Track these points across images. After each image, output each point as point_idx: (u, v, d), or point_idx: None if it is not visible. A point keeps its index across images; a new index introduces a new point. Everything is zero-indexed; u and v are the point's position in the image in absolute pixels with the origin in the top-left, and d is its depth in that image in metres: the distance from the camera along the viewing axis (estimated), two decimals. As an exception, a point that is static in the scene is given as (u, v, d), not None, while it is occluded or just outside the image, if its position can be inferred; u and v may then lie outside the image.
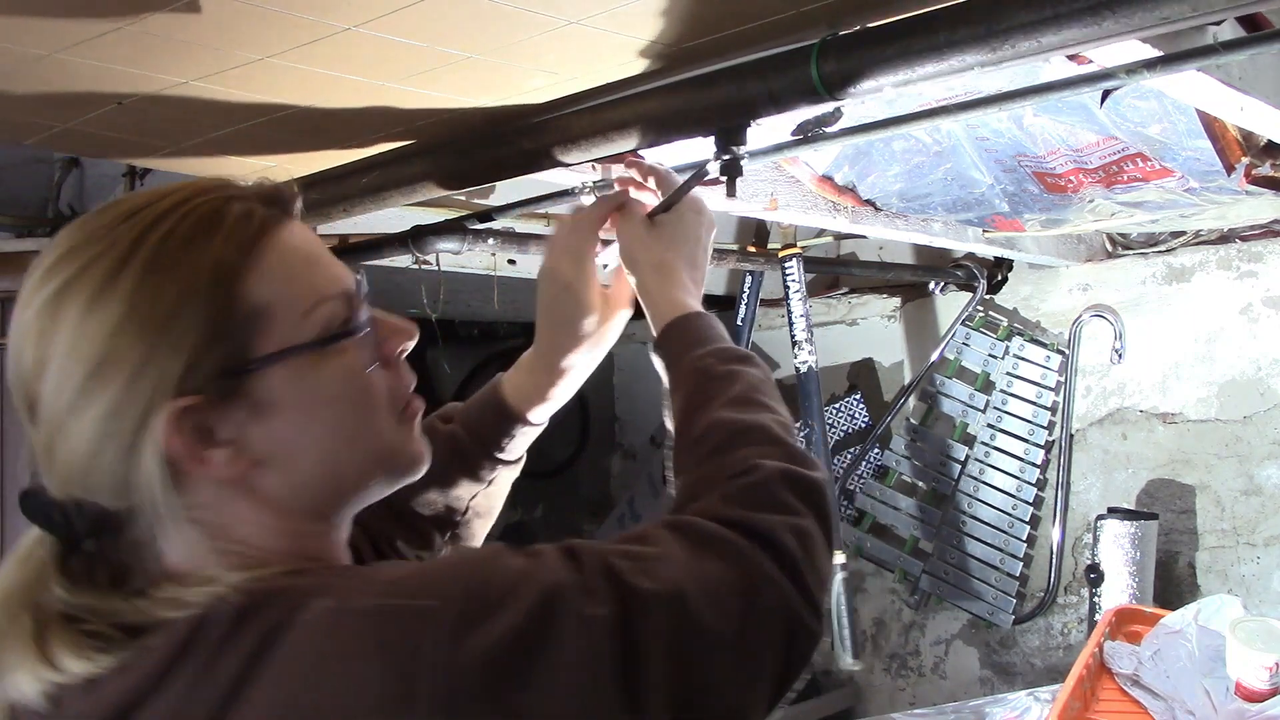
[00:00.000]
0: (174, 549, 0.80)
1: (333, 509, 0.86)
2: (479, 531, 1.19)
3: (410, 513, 1.13)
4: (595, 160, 1.42)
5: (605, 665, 0.72)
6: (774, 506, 0.85)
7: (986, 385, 2.86)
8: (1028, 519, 2.77)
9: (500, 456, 1.15)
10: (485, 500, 1.17)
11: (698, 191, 1.15)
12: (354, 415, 0.84)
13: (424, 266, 1.98)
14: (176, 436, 0.76)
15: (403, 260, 2.05)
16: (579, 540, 0.80)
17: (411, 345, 0.89)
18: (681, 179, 1.17)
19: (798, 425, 3.09)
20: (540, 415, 1.16)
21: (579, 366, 1.14)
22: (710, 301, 3.30)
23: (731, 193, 1.26)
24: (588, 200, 1.54)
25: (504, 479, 1.18)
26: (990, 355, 2.85)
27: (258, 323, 0.79)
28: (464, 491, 1.15)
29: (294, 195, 0.85)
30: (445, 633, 0.70)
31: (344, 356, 0.83)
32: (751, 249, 2.78)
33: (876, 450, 3.02)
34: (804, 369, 2.58)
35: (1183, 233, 2.63)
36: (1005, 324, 2.87)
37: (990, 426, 2.83)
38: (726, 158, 1.24)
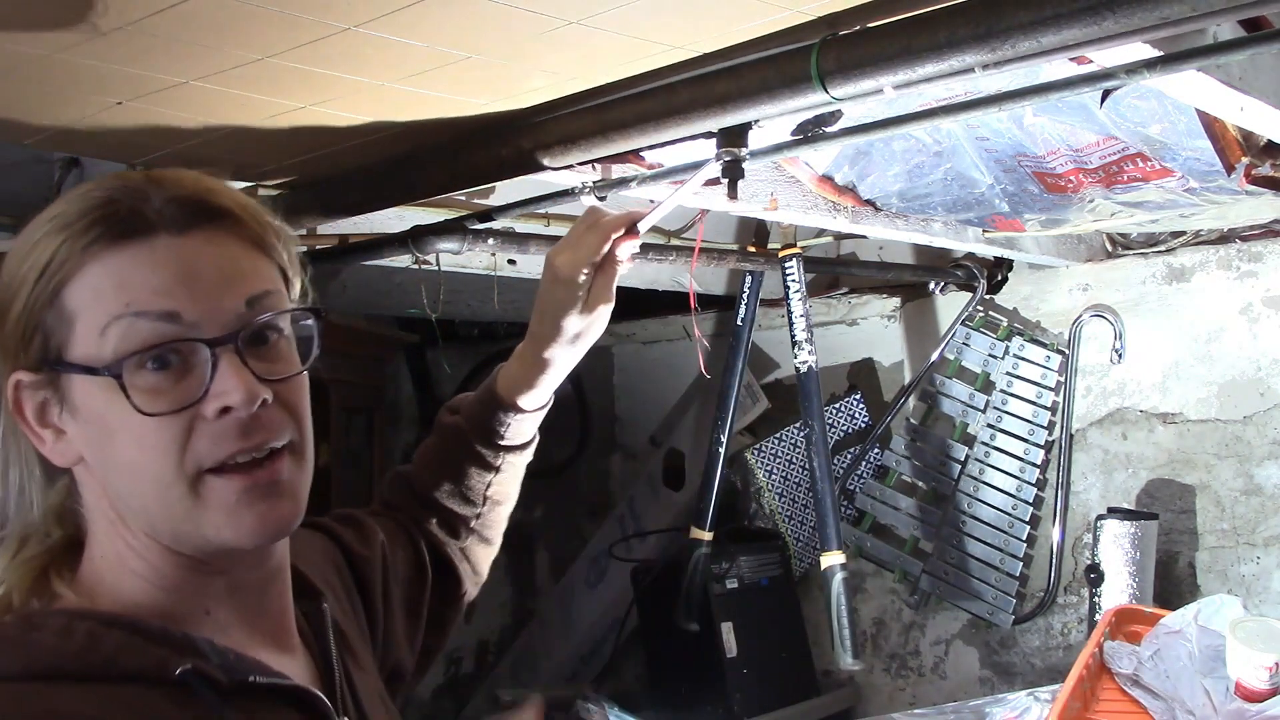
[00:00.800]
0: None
1: (184, 551, 0.85)
2: (500, 518, 1.24)
3: (435, 501, 1.19)
4: (595, 160, 1.42)
5: None
6: None
7: (986, 385, 2.86)
8: (1028, 519, 2.77)
9: (502, 443, 1.19)
10: (500, 487, 1.22)
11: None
12: (138, 458, 0.81)
13: (424, 266, 1.98)
14: (18, 399, 0.83)
15: (403, 260, 2.05)
16: None
17: (241, 412, 0.81)
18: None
19: (798, 425, 3.10)
20: (531, 402, 1.19)
21: (561, 359, 1.17)
22: (710, 301, 3.32)
23: (733, 194, 1.26)
24: (588, 200, 1.54)
25: (513, 464, 1.22)
26: (990, 355, 2.85)
27: (68, 326, 0.81)
28: (476, 480, 1.19)
29: (190, 207, 0.82)
30: None
31: (135, 393, 0.79)
32: (751, 249, 2.78)
33: (876, 450, 3.02)
34: (804, 369, 2.58)
35: (1183, 233, 2.63)
36: (1005, 324, 2.87)
37: (990, 426, 2.83)
38: (728, 160, 1.24)
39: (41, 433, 0.84)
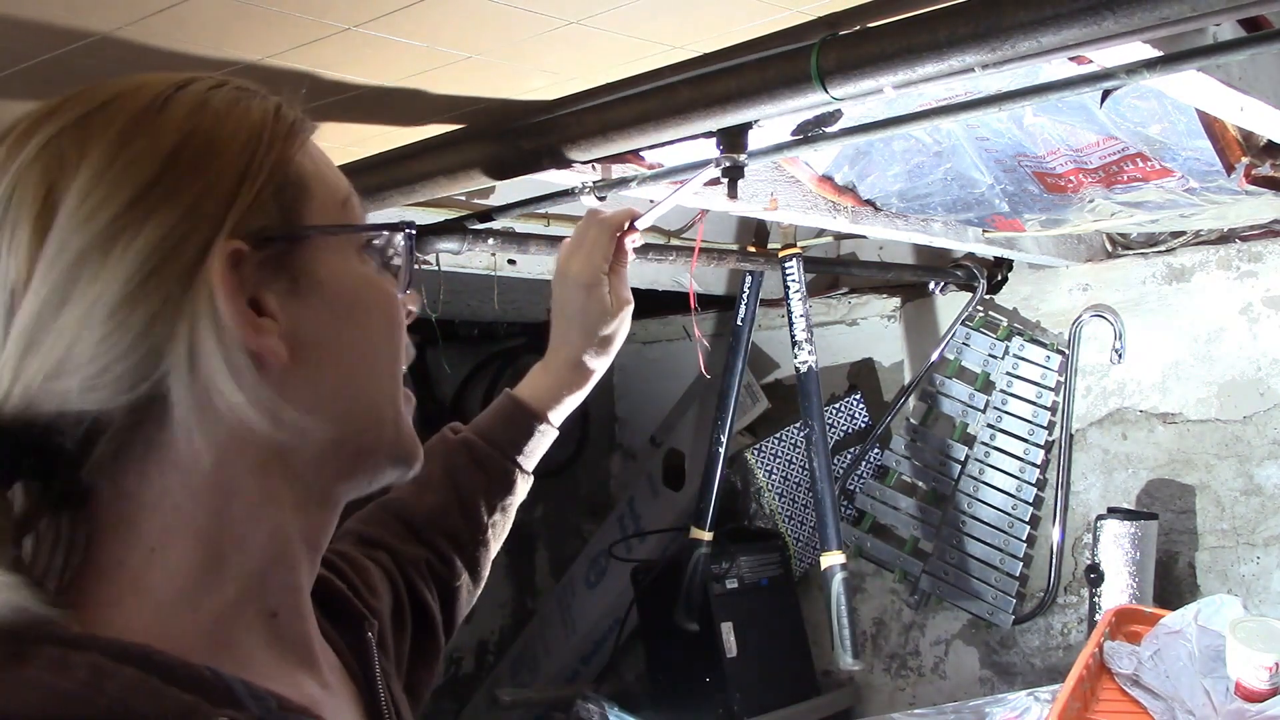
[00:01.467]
0: (169, 481, 0.64)
1: (334, 470, 0.72)
2: (490, 557, 1.12)
3: (430, 534, 1.06)
4: (596, 160, 1.42)
5: None
6: None
7: (986, 385, 2.86)
8: (1028, 519, 2.77)
9: (520, 460, 1.12)
10: (502, 518, 1.12)
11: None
12: (385, 339, 0.75)
13: (424, 266, 1.98)
14: (232, 280, 0.64)
15: (402, 260, 2.05)
16: None
17: (414, 316, 0.82)
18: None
19: (798, 425, 3.10)
20: (558, 417, 1.16)
21: (602, 365, 1.15)
22: (710, 301, 3.32)
23: (733, 195, 1.27)
24: (588, 200, 1.54)
25: (520, 492, 1.14)
26: (990, 355, 2.85)
27: (303, 192, 0.70)
28: (483, 503, 1.09)
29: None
30: None
31: (379, 270, 0.76)
32: (751, 249, 2.78)
33: (876, 450, 3.02)
34: (804, 369, 2.58)
35: (1183, 233, 2.63)
36: (1005, 324, 2.87)
37: (990, 426, 2.83)
38: (728, 164, 1.25)
39: (261, 321, 0.66)
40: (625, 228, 1.16)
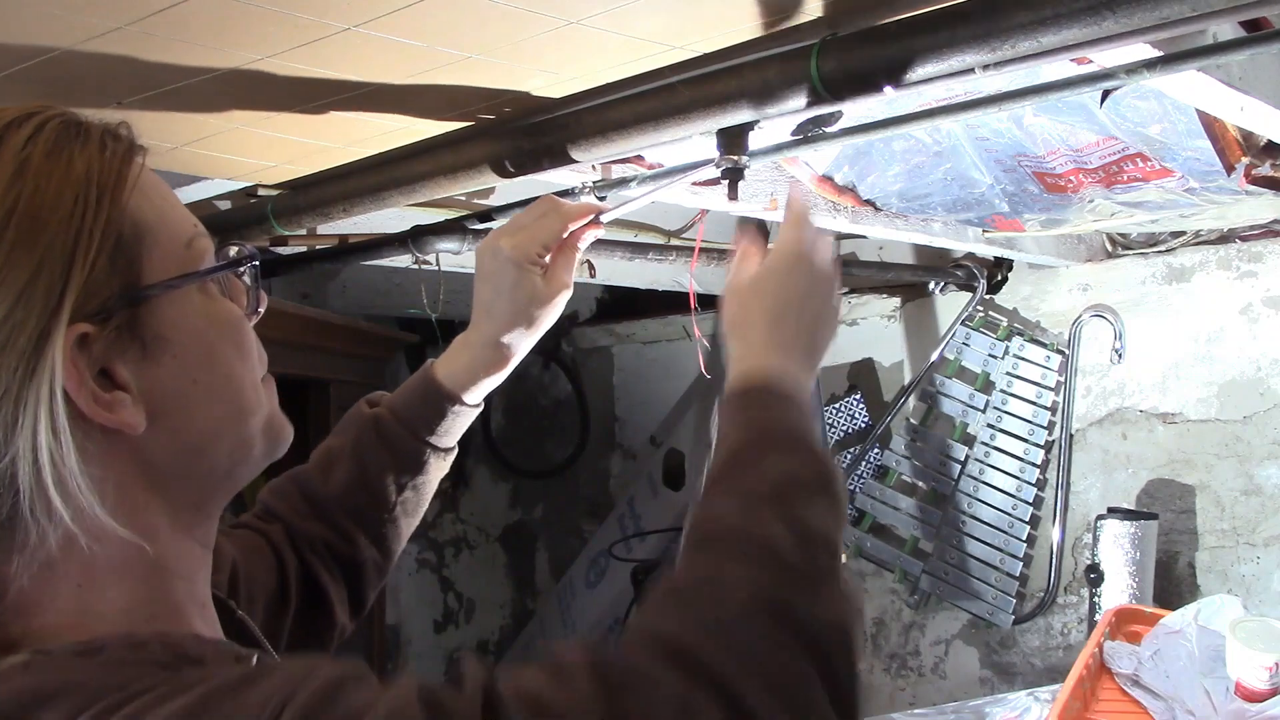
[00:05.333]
0: (33, 546, 0.65)
1: (214, 489, 0.75)
2: (403, 535, 1.10)
3: (333, 508, 1.05)
4: (595, 160, 1.42)
5: None
6: (742, 642, 0.64)
7: (986, 385, 2.86)
8: (1028, 519, 2.77)
9: (431, 440, 1.08)
10: (414, 495, 1.09)
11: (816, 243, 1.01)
12: (240, 363, 0.75)
13: (424, 266, 1.98)
14: (75, 369, 0.64)
15: (403, 260, 2.05)
16: (468, 668, 0.62)
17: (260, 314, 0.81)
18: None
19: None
20: (475, 396, 1.10)
21: (524, 347, 1.10)
22: (710, 301, 3.30)
23: (733, 196, 1.26)
24: (587, 200, 1.54)
25: (437, 469, 1.10)
26: (990, 355, 2.85)
27: (143, 244, 0.68)
28: (392, 482, 1.06)
29: (134, 134, 0.74)
30: None
31: (227, 299, 0.76)
32: (751, 249, 2.77)
33: (876, 450, 3.02)
34: (804, 369, 2.58)
35: (1183, 233, 2.63)
36: (1005, 324, 2.87)
37: (990, 426, 2.83)
38: (728, 166, 1.24)
39: (112, 397, 0.66)
40: (586, 221, 1.13)
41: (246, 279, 0.79)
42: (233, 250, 0.78)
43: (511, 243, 1.08)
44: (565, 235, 1.12)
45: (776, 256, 0.98)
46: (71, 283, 0.64)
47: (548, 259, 1.11)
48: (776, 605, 0.67)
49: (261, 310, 0.81)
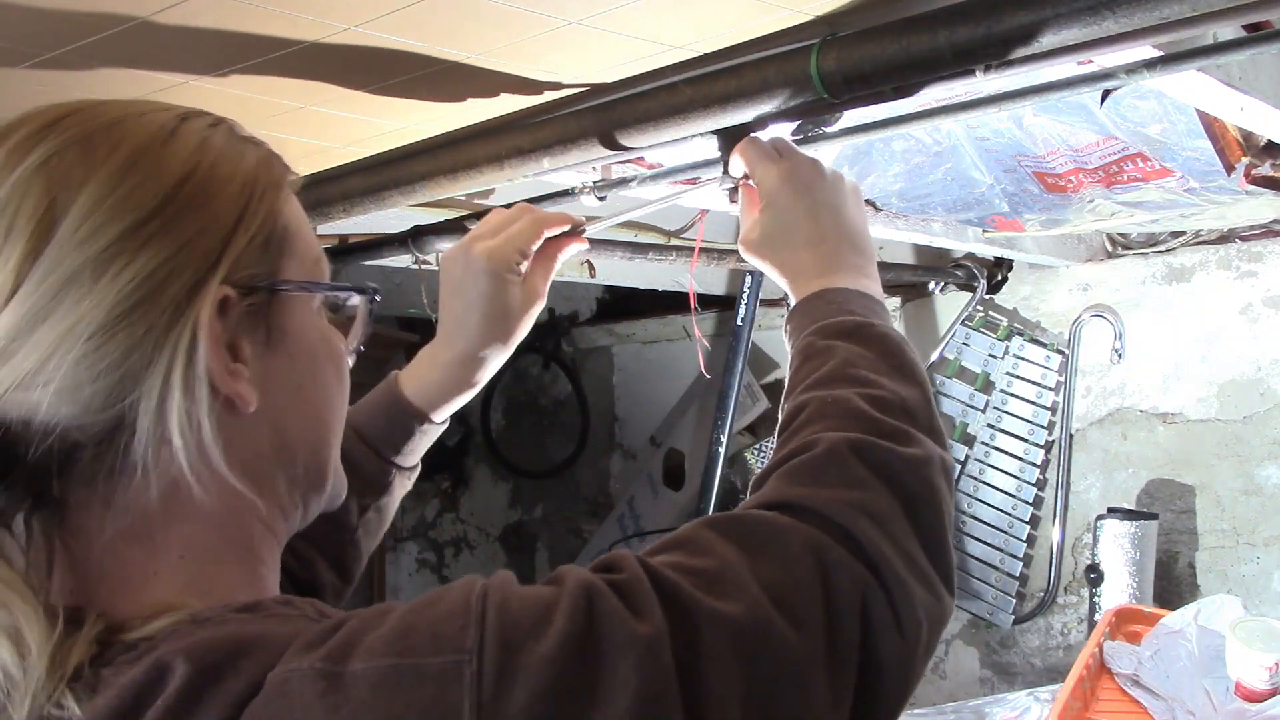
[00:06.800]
0: (132, 501, 0.65)
1: (286, 506, 0.75)
2: (363, 555, 1.07)
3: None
4: (596, 160, 1.42)
5: (672, 701, 0.59)
6: (834, 481, 0.73)
7: (986, 385, 2.86)
8: (1028, 519, 2.77)
9: (395, 460, 1.04)
10: (376, 516, 1.06)
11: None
12: (337, 391, 0.77)
13: (424, 266, 1.98)
14: (217, 324, 0.66)
15: (403, 260, 2.05)
16: (614, 554, 0.67)
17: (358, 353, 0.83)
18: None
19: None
20: (443, 414, 1.06)
21: (497, 361, 1.06)
22: (710, 301, 3.31)
23: (735, 199, 1.27)
24: (588, 200, 1.54)
25: (400, 489, 1.07)
26: (990, 355, 2.85)
27: (287, 244, 0.72)
28: (353, 503, 1.02)
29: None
30: (483, 689, 0.56)
31: (338, 330, 0.78)
32: (751, 249, 2.77)
33: (876, 450, 3.02)
34: (804, 369, 2.58)
35: (1183, 233, 2.63)
36: (1005, 324, 2.87)
37: (990, 426, 2.83)
38: (731, 186, 1.24)
39: (235, 367, 0.68)
40: (564, 230, 1.08)
41: (359, 313, 0.80)
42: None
43: (487, 249, 1.02)
44: (541, 242, 1.07)
45: (770, 194, 1.03)
46: (231, 247, 0.67)
47: (524, 267, 1.05)
48: (859, 445, 0.75)
49: (360, 349, 0.82)
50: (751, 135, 1.15)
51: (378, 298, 0.80)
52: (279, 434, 0.72)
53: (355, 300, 0.80)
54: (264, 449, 0.71)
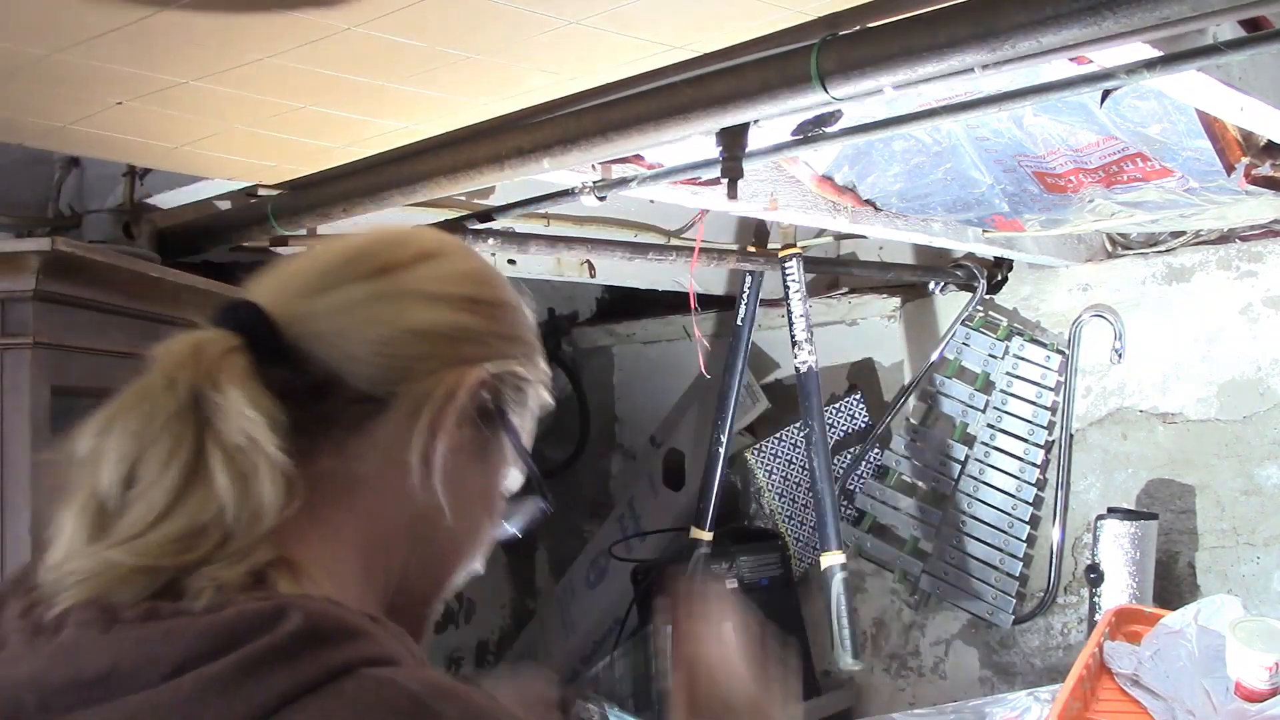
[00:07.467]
0: (363, 478, 0.76)
1: (415, 600, 0.82)
2: None
3: None
4: (595, 160, 1.42)
5: None
6: None
7: (986, 385, 2.86)
8: (1028, 519, 2.77)
9: None
10: None
11: None
12: (489, 520, 0.85)
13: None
14: (468, 392, 0.77)
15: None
16: None
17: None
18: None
19: (798, 425, 3.11)
20: None
21: None
22: (710, 301, 3.32)
23: (733, 195, 1.26)
24: (587, 200, 1.54)
25: None
26: (990, 355, 2.85)
27: (527, 388, 0.83)
28: None
29: None
30: None
31: (505, 467, 0.84)
32: (751, 249, 2.78)
33: (876, 450, 3.02)
34: (804, 369, 2.58)
35: (1183, 233, 2.63)
36: (1005, 324, 2.87)
37: (990, 426, 2.83)
38: (727, 160, 1.24)
39: (457, 433, 0.78)
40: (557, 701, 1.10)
41: (509, 495, 0.87)
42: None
43: None
44: None
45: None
46: (514, 352, 0.82)
47: None
48: None
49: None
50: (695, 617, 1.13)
51: (547, 512, 0.88)
52: (445, 519, 0.79)
53: (518, 486, 0.86)
54: (431, 523, 0.79)
